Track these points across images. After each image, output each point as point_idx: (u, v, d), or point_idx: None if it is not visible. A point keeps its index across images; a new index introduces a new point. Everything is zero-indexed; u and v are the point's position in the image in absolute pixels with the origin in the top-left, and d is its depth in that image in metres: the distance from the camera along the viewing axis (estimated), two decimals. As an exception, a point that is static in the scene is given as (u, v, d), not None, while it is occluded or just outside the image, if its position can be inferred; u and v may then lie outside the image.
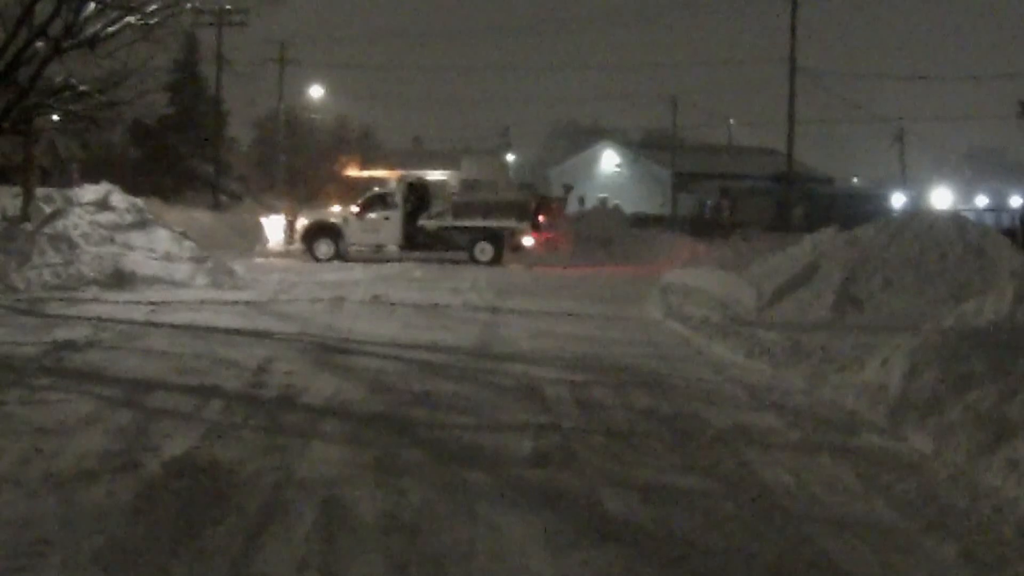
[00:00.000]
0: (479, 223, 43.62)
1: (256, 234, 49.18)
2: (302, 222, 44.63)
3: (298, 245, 44.23)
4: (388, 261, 42.12)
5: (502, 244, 43.52)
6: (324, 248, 43.10)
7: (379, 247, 44.19)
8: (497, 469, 10.01)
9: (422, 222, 43.95)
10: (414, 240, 43.91)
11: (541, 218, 44.90)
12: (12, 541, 7.70)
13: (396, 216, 43.64)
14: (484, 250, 43.08)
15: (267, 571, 7.33)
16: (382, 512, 8.60)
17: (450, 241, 43.92)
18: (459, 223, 43.80)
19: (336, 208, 49.18)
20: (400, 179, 47.69)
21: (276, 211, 51.78)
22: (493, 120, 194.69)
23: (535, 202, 45.54)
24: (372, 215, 43.64)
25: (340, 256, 42.98)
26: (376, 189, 46.63)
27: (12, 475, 9.29)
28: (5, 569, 7.23)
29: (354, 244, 43.82)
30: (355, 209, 44.18)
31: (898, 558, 7.88)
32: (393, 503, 8.83)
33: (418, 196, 44.99)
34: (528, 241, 44.74)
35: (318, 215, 45.93)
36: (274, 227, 48.31)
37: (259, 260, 41.60)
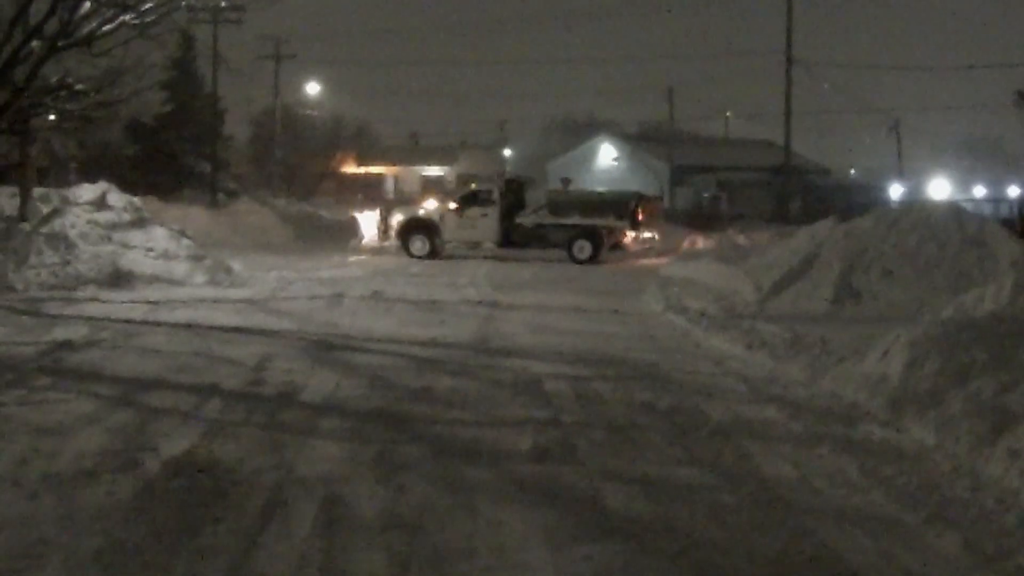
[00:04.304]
0: (577, 221, 42.60)
1: (349, 230, 49.46)
2: (397, 218, 44.19)
3: (393, 241, 43.84)
4: (485, 258, 41.82)
5: (601, 242, 42.66)
6: (419, 244, 42.33)
7: (475, 244, 43.57)
8: (497, 465, 10.00)
9: (519, 219, 43.31)
10: (511, 237, 43.14)
11: (640, 216, 44.13)
12: (12, 542, 7.69)
13: (493, 213, 42.92)
14: (583, 248, 42.18)
15: (267, 569, 7.31)
16: (382, 509, 8.59)
17: (547, 239, 42.77)
18: (557, 220, 42.88)
19: (432, 204, 48.59)
20: (498, 175, 47.21)
21: (370, 207, 51.50)
22: (490, 115, 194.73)
23: (634, 200, 44.84)
24: (469, 212, 42.99)
25: (435, 253, 42.30)
26: (473, 186, 45.98)
27: (11, 475, 9.28)
28: (5, 570, 7.22)
29: (450, 241, 43.31)
30: (452, 205, 43.60)
31: (900, 550, 7.86)
32: (393, 500, 8.82)
33: (515, 193, 44.44)
34: (627, 239, 44.17)
35: (414, 211, 45.37)
36: (369, 223, 48.13)
37: (353, 258, 41.40)
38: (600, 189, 54.50)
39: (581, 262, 40.96)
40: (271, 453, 10.19)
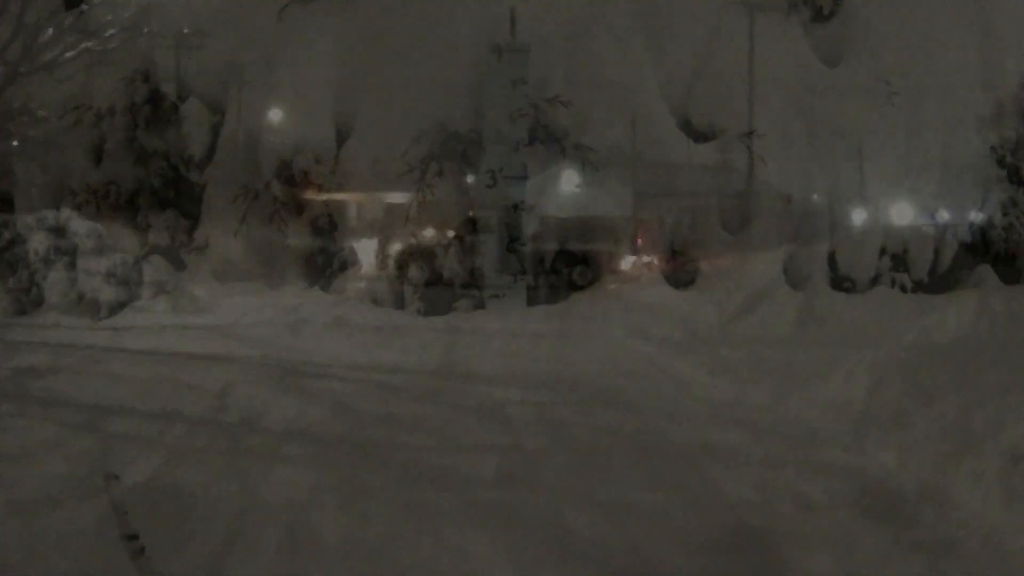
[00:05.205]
0: (575, 246, 42.40)
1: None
2: (395, 247, 43.77)
3: (391, 270, 43.37)
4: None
5: (600, 268, 42.20)
6: (417, 274, 42.02)
7: (473, 271, 42.98)
8: (461, 490, 9.95)
9: (517, 246, 42.82)
10: (509, 264, 42.69)
11: (639, 241, 43.58)
12: (-27, 569, 7.64)
13: (491, 240, 42.52)
14: (583, 274, 41.65)
15: (231, 596, 7.29)
16: (346, 535, 8.55)
17: (545, 265, 42.56)
18: (555, 247, 42.58)
19: (429, 232, 47.99)
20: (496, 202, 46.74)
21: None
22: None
23: (633, 224, 44.41)
24: (466, 239, 42.52)
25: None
26: (470, 213, 45.53)
27: (-27, 503, 9.21)
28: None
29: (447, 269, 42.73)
30: (450, 234, 43.19)
31: (865, 573, 7.87)
32: (357, 526, 8.78)
33: (513, 220, 43.95)
34: (625, 264, 43.66)
35: (411, 239, 44.90)
36: (366, 252, 47.68)
37: (351, 286, 41.10)
38: (599, 213, 54.13)
39: (581, 288, 40.46)
40: (234, 479, 10.14)
